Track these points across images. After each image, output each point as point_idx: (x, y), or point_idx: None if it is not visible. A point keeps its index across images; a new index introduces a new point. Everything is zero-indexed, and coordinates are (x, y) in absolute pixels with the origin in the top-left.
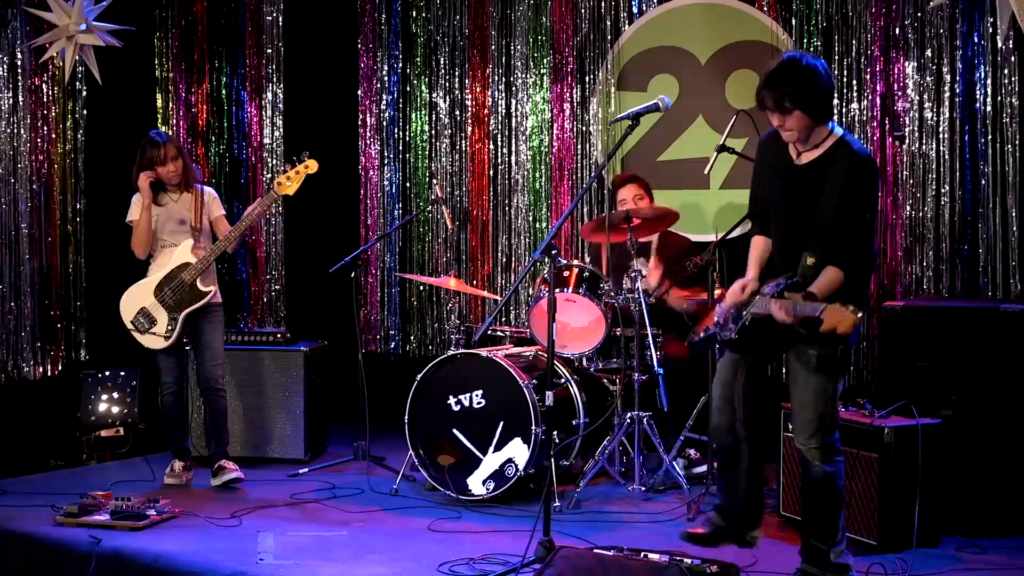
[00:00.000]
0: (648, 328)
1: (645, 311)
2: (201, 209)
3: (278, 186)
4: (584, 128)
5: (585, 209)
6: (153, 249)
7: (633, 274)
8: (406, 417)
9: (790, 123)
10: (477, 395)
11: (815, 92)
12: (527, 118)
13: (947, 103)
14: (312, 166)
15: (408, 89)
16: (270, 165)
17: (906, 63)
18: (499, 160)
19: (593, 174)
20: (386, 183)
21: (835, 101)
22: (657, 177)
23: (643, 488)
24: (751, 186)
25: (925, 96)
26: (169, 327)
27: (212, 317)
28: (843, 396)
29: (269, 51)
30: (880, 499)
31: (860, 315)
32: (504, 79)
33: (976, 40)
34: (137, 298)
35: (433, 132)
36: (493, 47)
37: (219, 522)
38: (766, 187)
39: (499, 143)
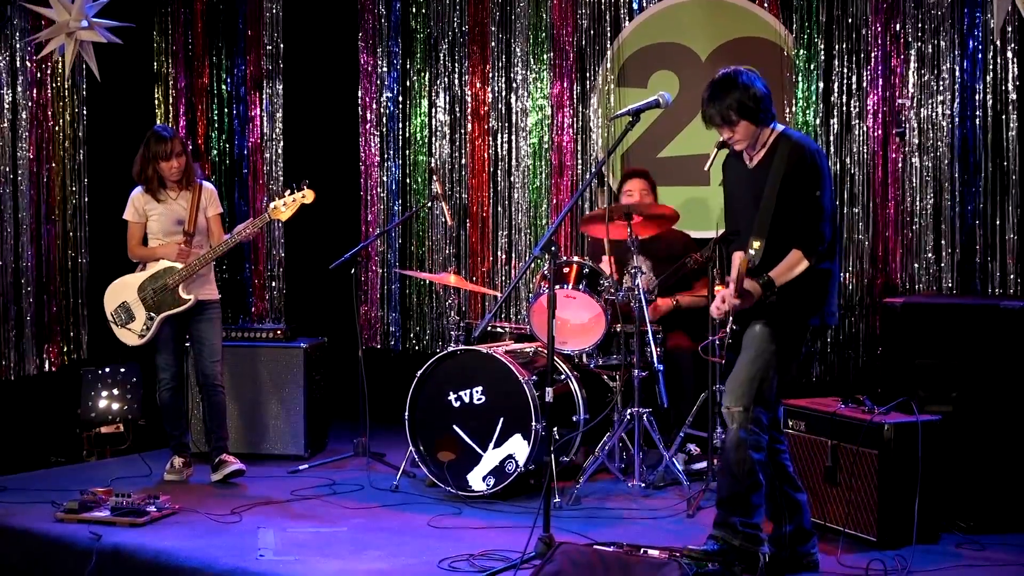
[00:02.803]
0: (648, 324)
1: (645, 307)
2: (197, 210)
3: (273, 210)
4: (584, 125)
5: (585, 206)
6: (149, 245)
7: (633, 271)
8: (406, 413)
9: (738, 133)
10: (477, 391)
11: (755, 100)
12: (527, 114)
13: (947, 99)
14: (309, 196)
15: (408, 85)
16: (270, 161)
17: (906, 59)
18: (499, 156)
19: (593, 171)
20: (386, 179)
21: (769, 105)
22: (657, 174)
23: (643, 484)
24: (724, 206)
25: (925, 92)
26: (145, 326)
27: (209, 314)
28: (843, 392)
29: (269, 47)
30: (880, 496)
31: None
32: (504, 75)
33: (976, 36)
34: (121, 291)
35: (433, 128)
36: (493, 43)
37: (219, 518)
38: (731, 199)
39: (499, 139)
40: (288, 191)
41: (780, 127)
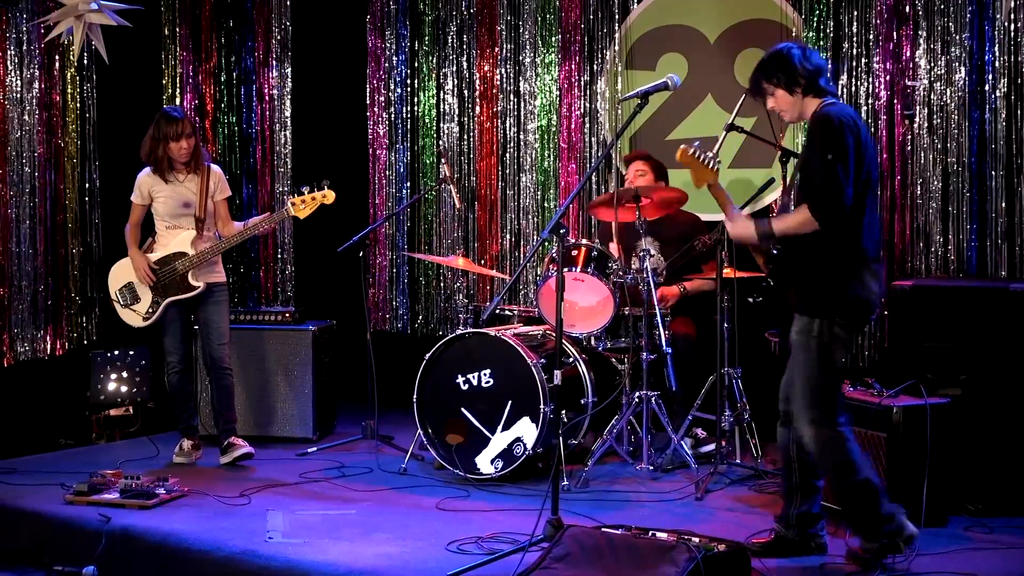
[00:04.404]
0: (656, 307)
1: (653, 290)
2: (206, 194)
3: (292, 206)
4: (592, 107)
5: (593, 188)
6: (157, 228)
7: (641, 253)
8: (415, 396)
9: (779, 103)
10: (485, 374)
11: (788, 68)
12: (535, 97)
13: (956, 81)
14: (330, 196)
15: (416, 68)
16: (278, 144)
17: (915, 40)
18: (507, 139)
19: (601, 153)
20: (394, 162)
21: (825, 78)
22: (666, 156)
23: (651, 467)
24: None
25: (934, 73)
26: (150, 309)
27: (217, 297)
28: (851, 375)
29: (277, 29)
30: (888, 478)
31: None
32: (512, 58)
33: (986, 17)
34: (127, 271)
35: (441, 111)
36: (501, 26)
37: (228, 501)
38: None
39: (507, 122)
40: (308, 188)
41: (830, 101)
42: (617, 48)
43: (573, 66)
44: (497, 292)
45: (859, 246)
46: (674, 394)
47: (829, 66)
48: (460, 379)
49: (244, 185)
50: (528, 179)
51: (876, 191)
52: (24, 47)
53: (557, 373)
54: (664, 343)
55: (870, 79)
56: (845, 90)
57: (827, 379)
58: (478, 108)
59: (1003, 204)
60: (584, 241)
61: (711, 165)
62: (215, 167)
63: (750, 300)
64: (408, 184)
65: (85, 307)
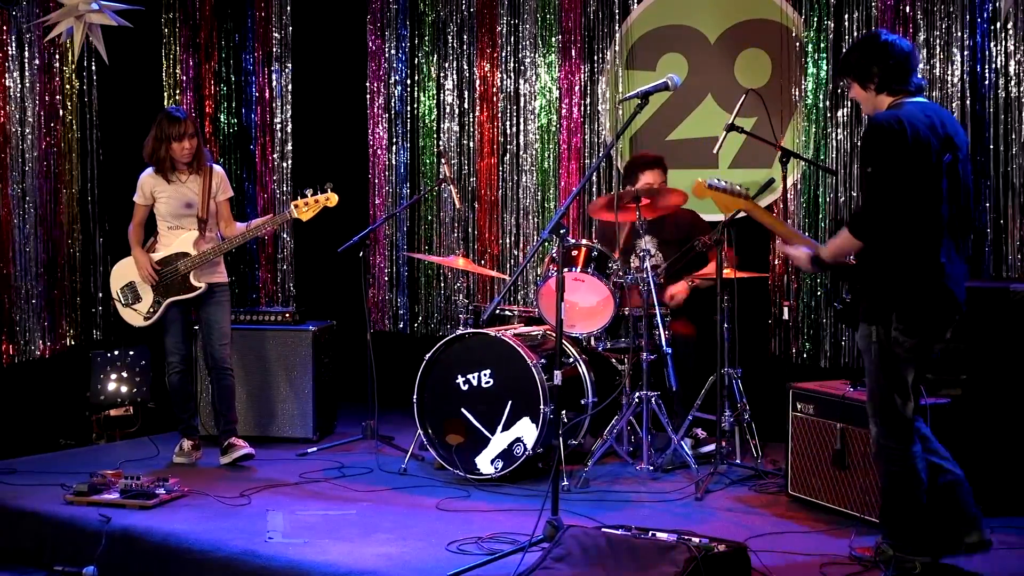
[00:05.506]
0: (657, 308)
1: (653, 290)
2: (208, 195)
3: (295, 208)
4: (592, 107)
5: (593, 189)
6: (159, 228)
7: (641, 253)
8: (415, 396)
9: (856, 96)
10: (485, 374)
11: (862, 63)
12: (535, 97)
13: (955, 80)
14: (333, 199)
15: (416, 68)
16: (278, 144)
17: (916, 42)
18: (507, 139)
19: (601, 153)
20: (394, 162)
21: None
22: (666, 156)
23: (651, 467)
24: None
25: (933, 73)
26: (151, 309)
27: (219, 298)
28: (852, 375)
29: (277, 29)
30: None
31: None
32: (512, 58)
33: (985, 17)
34: (129, 271)
35: (441, 111)
36: (501, 26)
37: (228, 501)
38: None
39: (507, 122)
40: (311, 191)
41: (904, 102)
42: (617, 48)
43: (573, 66)
44: (497, 292)
45: (913, 251)
46: (674, 394)
47: (830, 68)
48: (460, 379)
49: (244, 185)
50: (528, 179)
51: (942, 190)
52: (24, 47)
53: (557, 373)
54: (664, 343)
55: None
56: (846, 91)
57: (885, 385)
58: (478, 108)
59: (1001, 204)
60: (584, 241)
61: (740, 194)
62: (217, 167)
63: (835, 306)
64: (408, 184)
65: (85, 307)
